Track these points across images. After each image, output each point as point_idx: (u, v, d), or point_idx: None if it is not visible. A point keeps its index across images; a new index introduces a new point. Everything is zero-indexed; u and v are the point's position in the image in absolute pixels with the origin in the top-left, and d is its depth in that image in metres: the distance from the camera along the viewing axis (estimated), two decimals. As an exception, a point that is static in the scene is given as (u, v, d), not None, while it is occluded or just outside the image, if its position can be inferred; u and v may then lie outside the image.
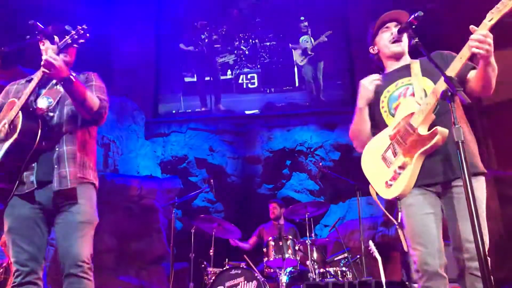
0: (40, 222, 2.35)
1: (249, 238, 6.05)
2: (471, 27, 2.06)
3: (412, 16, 2.23)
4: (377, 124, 2.54)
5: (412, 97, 2.36)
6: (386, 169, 2.38)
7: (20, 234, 2.30)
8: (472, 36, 2.04)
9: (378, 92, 2.54)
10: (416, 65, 2.46)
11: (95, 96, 2.44)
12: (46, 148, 2.35)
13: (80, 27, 2.38)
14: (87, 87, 2.53)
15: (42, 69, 2.28)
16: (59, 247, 2.31)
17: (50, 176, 2.32)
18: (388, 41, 2.50)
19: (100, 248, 6.43)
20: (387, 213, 2.59)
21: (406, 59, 2.57)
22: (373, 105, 2.55)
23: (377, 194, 2.46)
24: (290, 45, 9.31)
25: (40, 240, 2.34)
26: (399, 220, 2.36)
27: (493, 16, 2.02)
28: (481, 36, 2.01)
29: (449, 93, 1.91)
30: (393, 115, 2.43)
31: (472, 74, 2.26)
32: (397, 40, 2.48)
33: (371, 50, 2.66)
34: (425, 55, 2.15)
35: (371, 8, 8.45)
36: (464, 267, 2.13)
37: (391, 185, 2.32)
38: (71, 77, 2.28)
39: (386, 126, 2.46)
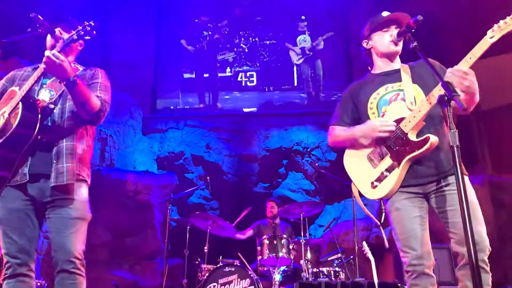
0: (31, 214, 2.34)
1: (244, 230, 6.07)
2: (454, 69, 2.14)
3: (412, 20, 2.25)
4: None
5: (403, 101, 2.39)
6: (371, 170, 2.44)
7: (11, 226, 2.30)
8: (451, 75, 2.14)
9: (366, 93, 2.57)
10: (406, 71, 2.50)
11: (96, 98, 2.42)
12: (44, 141, 2.35)
13: (87, 23, 2.36)
14: (91, 84, 2.53)
15: (42, 65, 2.26)
16: (52, 242, 2.31)
17: (43, 170, 2.31)
18: (388, 41, 2.53)
19: (94, 242, 6.44)
20: (368, 212, 2.64)
21: (397, 62, 2.61)
22: (361, 106, 2.58)
23: (359, 192, 2.51)
24: (286, 44, 9.32)
25: (31, 232, 2.34)
26: (382, 221, 2.42)
27: (494, 34, 2.12)
28: (459, 77, 2.12)
29: (446, 98, 1.93)
30: None
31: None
32: (395, 43, 2.51)
33: (364, 44, 2.67)
34: (423, 59, 2.17)
35: (371, 8, 8.48)
36: (467, 261, 2.14)
37: (376, 186, 2.40)
38: (75, 78, 2.26)
39: None
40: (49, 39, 2.54)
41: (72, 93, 2.31)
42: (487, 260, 2.14)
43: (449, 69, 2.17)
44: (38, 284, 4.05)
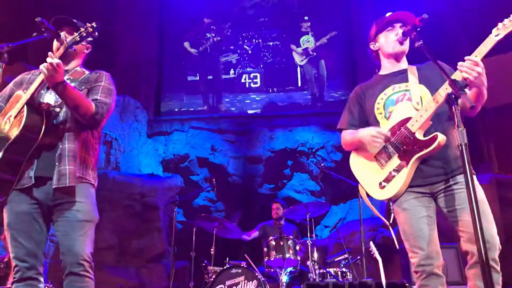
0: (39, 217, 2.34)
1: (249, 231, 6.07)
2: (466, 58, 2.12)
3: (417, 19, 2.24)
4: (371, 125, 2.56)
5: (408, 101, 2.39)
6: (379, 170, 2.42)
7: (19, 230, 2.30)
8: (461, 62, 2.12)
9: (373, 94, 2.56)
10: (413, 72, 2.49)
11: (90, 102, 2.40)
12: (49, 144, 2.34)
13: (90, 25, 2.37)
14: (95, 87, 2.53)
15: (42, 68, 2.24)
16: (60, 245, 2.31)
17: (48, 172, 2.31)
18: (393, 41, 2.52)
19: (100, 245, 6.45)
20: (377, 213, 2.63)
21: (404, 63, 2.60)
22: (368, 107, 2.57)
23: (366, 193, 2.49)
24: (291, 46, 9.33)
25: (38, 236, 2.34)
26: (390, 221, 2.40)
27: (499, 32, 2.11)
28: (470, 64, 2.10)
29: (453, 96, 1.92)
30: (388, 119, 2.46)
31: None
32: (401, 42, 2.50)
33: (371, 46, 2.67)
34: (429, 58, 2.16)
35: (374, 8, 8.47)
36: (477, 259, 2.11)
37: (384, 186, 2.38)
38: (63, 82, 2.25)
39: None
40: (55, 43, 2.55)
41: (62, 97, 2.30)
42: (497, 259, 2.11)
43: (460, 62, 2.15)
44: (46, 287, 4.06)
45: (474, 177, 2.21)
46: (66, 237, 2.29)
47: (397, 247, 2.52)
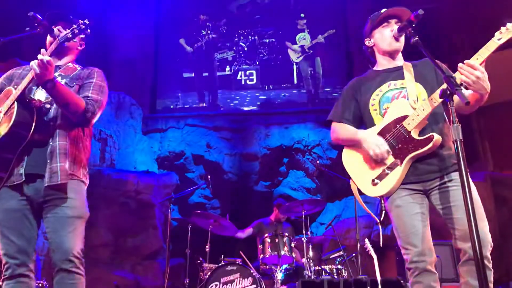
0: (29, 214, 2.33)
1: (244, 228, 6.06)
2: (465, 61, 2.11)
3: (413, 15, 2.23)
4: (365, 122, 2.56)
5: (405, 99, 2.38)
6: (372, 167, 2.41)
7: (9, 227, 2.28)
8: (461, 65, 2.12)
9: (369, 90, 2.54)
10: (409, 69, 2.47)
11: (81, 100, 2.38)
12: (39, 141, 2.32)
13: (82, 22, 2.34)
14: (86, 83, 2.51)
15: (32, 65, 2.20)
16: (50, 242, 2.29)
17: (38, 169, 2.29)
18: (389, 37, 2.50)
19: (96, 242, 6.43)
20: (367, 209, 2.63)
21: (400, 59, 2.59)
22: (363, 102, 2.56)
23: (358, 190, 2.49)
24: (286, 42, 9.31)
25: (29, 233, 2.32)
26: (381, 218, 2.40)
27: (502, 36, 2.10)
28: (469, 67, 2.09)
29: (448, 92, 1.92)
30: (382, 115, 2.45)
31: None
32: (396, 38, 2.48)
33: (366, 42, 2.65)
34: (425, 54, 2.15)
35: (370, 6, 8.47)
36: (470, 257, 2.11)
37: (377, 183, 2.37)
38: (53, 80, 2.23)
39: (374, 125, 2.48)
40: (48, 38, 2.53)
41: (52, 95, 2.28)
42: (489, 256, 2.12)
43: (460, 64, 2.14)
44: (40, 285, 4.04)
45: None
46: (56, 234, 2.27)
47: (381, 245, 2.53)
